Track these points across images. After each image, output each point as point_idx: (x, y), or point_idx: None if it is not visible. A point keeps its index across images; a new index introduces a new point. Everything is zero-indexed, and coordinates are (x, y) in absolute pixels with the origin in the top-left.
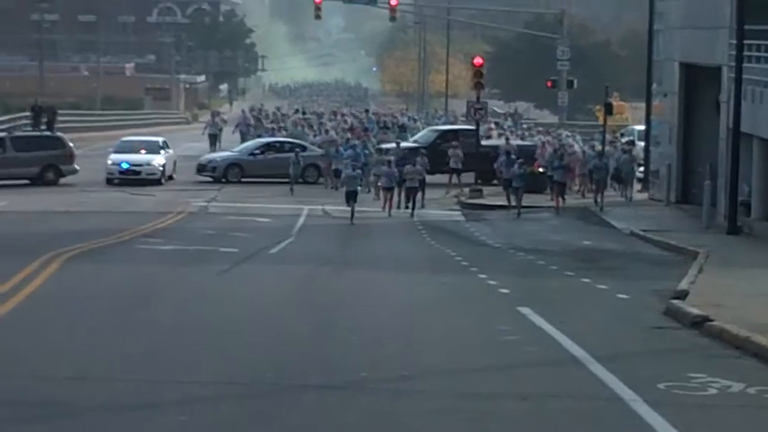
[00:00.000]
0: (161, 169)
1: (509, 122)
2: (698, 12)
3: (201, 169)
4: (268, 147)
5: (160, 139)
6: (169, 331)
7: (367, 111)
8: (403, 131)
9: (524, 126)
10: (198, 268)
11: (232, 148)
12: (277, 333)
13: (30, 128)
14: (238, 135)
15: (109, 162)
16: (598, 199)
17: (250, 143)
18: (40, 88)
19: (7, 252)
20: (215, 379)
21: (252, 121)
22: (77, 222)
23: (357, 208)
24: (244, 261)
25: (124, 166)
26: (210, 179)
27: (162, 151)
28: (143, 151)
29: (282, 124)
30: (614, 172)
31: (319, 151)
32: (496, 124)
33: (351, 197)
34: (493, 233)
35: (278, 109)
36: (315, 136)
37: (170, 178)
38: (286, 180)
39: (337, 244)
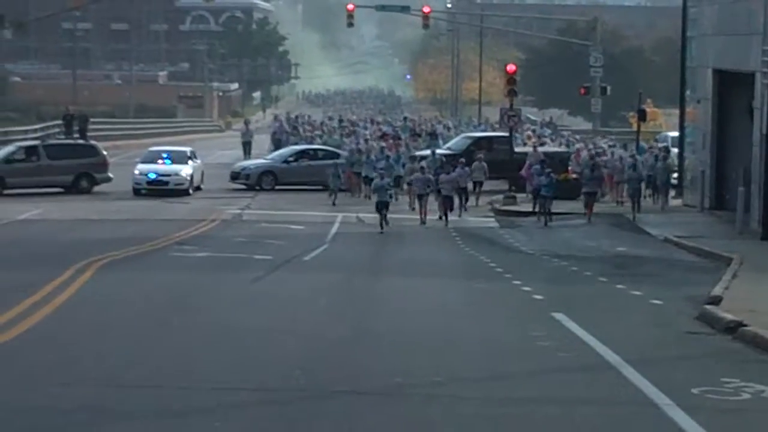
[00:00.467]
0: (189, 179)
1: (549, 130)
2: (731, 18)
3: (235, 176)
4: (302, 154)
5: (188, 149)
6: (203, 337)
7: (405, 119)
8: (434, 139)
9: (565, 134)
10: (232, 275)
11: (263, 155)
12: (311, 339)
13: (62, 136)
14: (269, 143)
15: (136, 172)
16: (634, 210)
17: (284, 151)
18: (74, 96)
19: (42, 260)
20: (248, 385)
21: (288, 129)
22: (111, 230)
23: (391, 216)
24: (278, 268)
25: (152, 176)
26: (244, 186)
27: (190, 161)
28: (170, 161)
29: (318, 132)
30: (648, 180)
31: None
32: (533, 131)
33: (382, 207)
34: (527, 240)
35: (308, 117)
36: (351, 144)
37: (198, 188)
38: (319, 188)
39: (370, 251)
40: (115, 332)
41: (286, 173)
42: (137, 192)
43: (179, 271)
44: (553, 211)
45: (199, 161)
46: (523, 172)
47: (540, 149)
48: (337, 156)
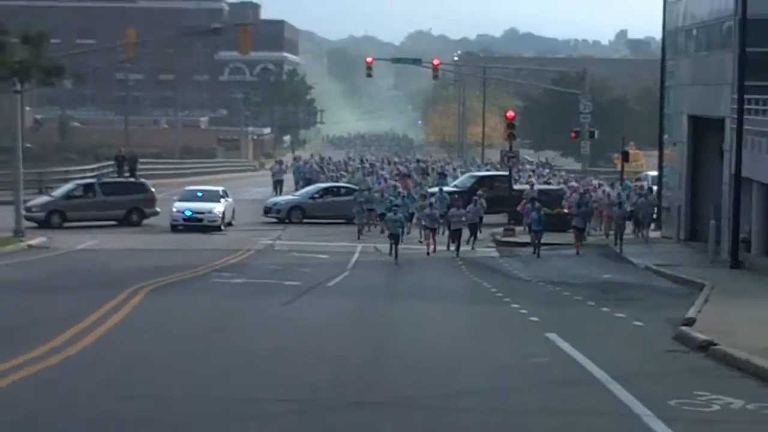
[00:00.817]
0: (221, 216)
1: (547, 170)
2: (704, 70)
3: (267, 211)
4: (326, 191)
5: (220, 189)
6: (240, 354)
7: (418, 161)
8: (443, 178)
9: (562, 173)
10: (265, 299)
11: (293, 192)
12: (334, 356)
13: (115, 175)
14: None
15: (174, 210)
16: (619, 242)
17: (311, 188)
18: (126, 139)
19: (97, 285)
20: (279, 396)
21: (316, 168)
22: (158, 258)
23: (403, 247)
24: (306, 293)
25: (188, 213)
26: (275, 220)
27: (222, 200)
28: (204, 200)
29: (342, 172)
30: (632, 214)
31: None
32: (533, 171)
33: (394, 239)
34: (524, 268)
35: (330, 158)
36: (373, 182)
37: (229, 224)
38: (342, 221)
39: (386, 278)
40: (163, 350)
41: (313, 208)
42: (174, 228)
43: (218, 296)
44: (544, 242)
45: (230, 199)
46: (519, 207)
47: (537, 187)
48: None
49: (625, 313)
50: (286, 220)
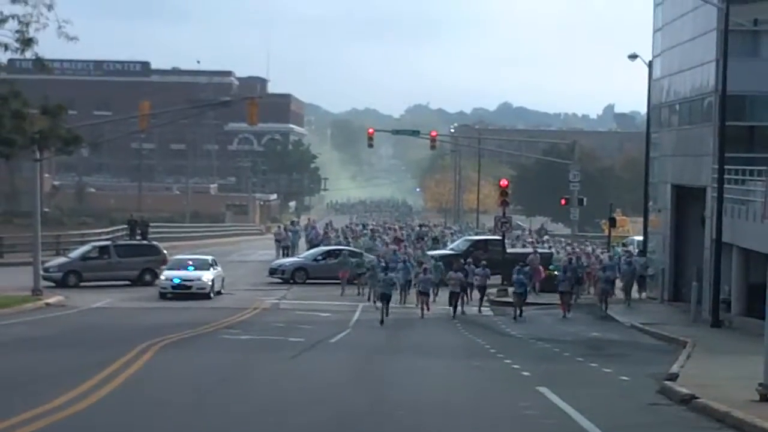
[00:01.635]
0: (210, 284)
1: (546, 235)
2: (686, 142)
3: (272, 272)
4: (328, 254)
5: (210, 257)
6: (248, 405)
7: (421, 227)
8: (436, 243)
9: (561, 239)
10: (271, 354)
11: (298, 254)
12: (336, 409)
13: (128, 238)
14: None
15: (162, 278)
16: (603, 307)
17: (314, 250)
18: (139, 204)
19: (111, 340)
20: None
21: (321, 233)
22: (170, 316)
23: (402, 309)
24: (310, 349)
25: (176, 281)
26: (280, 281)
27: (211, 268)
28: (194, 268)
29: (347, 238)
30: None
31: (371, 257)
32: (530, 234)
33: (385, 299)
34: (517, 326)
35: (331, 222)
36: (381, 246)
37: (218, 293)
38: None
39: (386, 335)
40: (174, 404)
41: (316, 269)
42: (163, 296)
43: (227, 352)
44: (537, 302)
45: (219, 268)
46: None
47: (528, 250)
48: (360, 255)
49: (612, 369)
50: (291, 281)
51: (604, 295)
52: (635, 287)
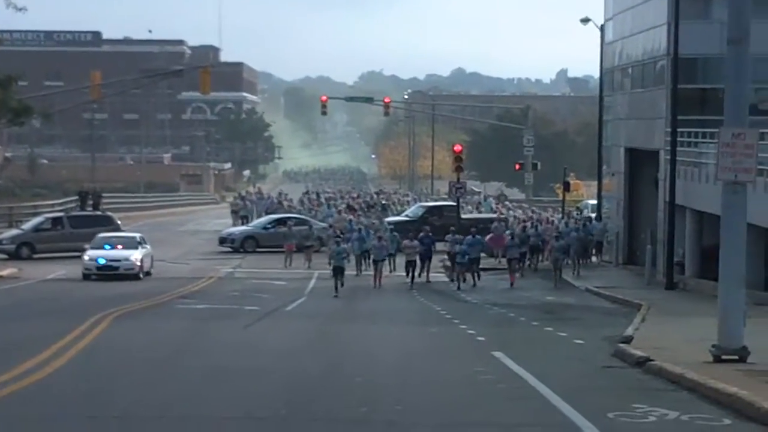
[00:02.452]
0: (139, 264)
1: (506, 202)
2: (639, 105)
3: (222, 241)
4: (278, 222)
5: (138, 235)
6: (203, 374)
7: (378, 194)
8: (384, 210)
9: (524, 205)
10: (226, 323)
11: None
12: (292, 375)
13: (79, 209)
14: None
15: (86, 258)
16: (557, 275)
17: (264, 219)
18: (92, 175)
19: (67, 312)
20: (240, 414)
21: (276, 203)
22: (125, 287)
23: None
24: (265, 317)
25: (101, 261)
26: (230, 249)
27: (139, 247)
28: (120, 247)
29: (307, 208)
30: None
31: (321, 224)
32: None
33: (338, 272)
34: (472, 291)
35: (282, 194)
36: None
37: (148, 273)
38: (294, 250)
39: (342, 302)
40: (129, 372)
41: (266, 238)
42: (87, 277)
43: (182, 321)
44: (496, 267)
45: (148, 246)
46: (488, 239)
47: (475, 215)
48: (307, 223)
49: (567, 332)
50: (240, 249)
51: (557, 263)
52: (593, 252)
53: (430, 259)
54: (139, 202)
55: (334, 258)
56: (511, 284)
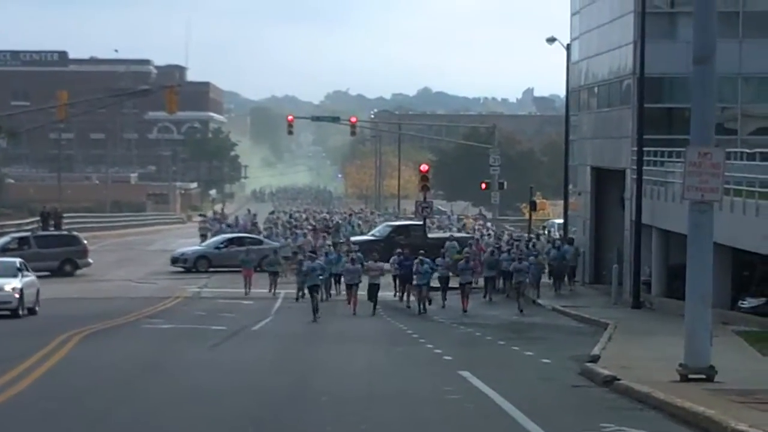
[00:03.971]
0: (17, 296)
1: (489, 222)
2: (606, 124)
3: (174, 261)
4: (230, 242)
5: (18, 260)
6: (169, 395)
7: (351, 215)
8: (336, 231)
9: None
10: (193, 343)
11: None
12: (259, 395)
13: (40, 230)
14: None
15: None
16: (520, 303)
17: (216, 238)
18: (59, 194)
19: (32, 332)
20: None
21: (250, 227)
22: (92, 307)
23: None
24: (232, 337)
25: None
26: (182, 269)
27: (20, 275)
28: None
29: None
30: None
31: (274, 244)
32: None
33: (314, 291)
34: (439, 310)
35: (250, 213)
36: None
37: (32, 311)
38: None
39: (308, 322)
40: (95, 393)
41: (219, 257)
42: None
43: (149, 341)
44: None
45: (32, 276)
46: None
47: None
48: (261, 243)
49: (534, 352)
50: (193, 269)
51: (518, 288)
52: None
53: (411, 282)
54: (105, 222)
55: (309, 275)
56: (464, 310)
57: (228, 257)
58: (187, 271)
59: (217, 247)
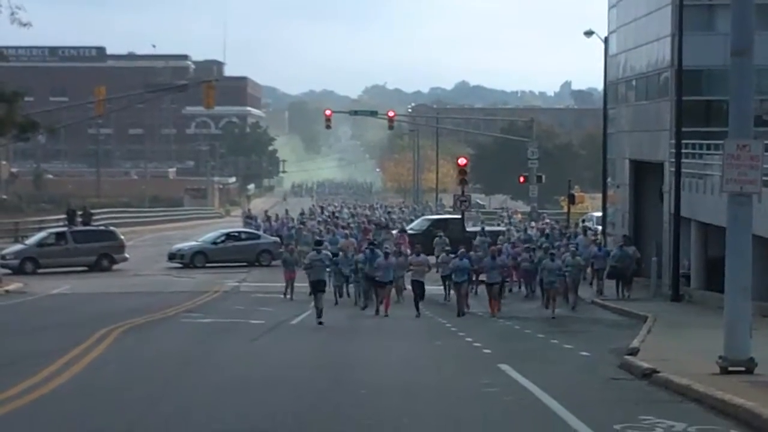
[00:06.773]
0: None
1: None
2: (644, 118)
3: (171, 257)
4: (228, 237)
5: None
6: (210, 388)
7: (388, 212)
8: (379, 228)
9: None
10: (232, 337)
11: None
12: (297, 388)
13: (66, 227)
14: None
15: None
16: (549, 306)
17: (213, 234)
18: (97, 190)
19: (72, 327)
20: (246, 427)
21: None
22: (130, 301)
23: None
24: (270, 331)
25: None
26: (180, 265)
27: None
28: None
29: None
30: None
31: (271, 238)
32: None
33: (318, 287)
34: (478, 304)
35: (287, 215)
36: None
37: None
38: (245, 264)
39: (347, 316)
40: (135, 388)
41: (215, 253)
42: None
43: (188, 335)
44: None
45: None
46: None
47: (482, 228)
48: (258, 238)
49: (573, 345)
50: (190, 265)
51: (548, 291)
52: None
53: (469, 281)
54: (143, 217)
55: (314, 266)
56: (492, 314)
57: (226, 252)
58: (185, 266)
59: (214, 242)
